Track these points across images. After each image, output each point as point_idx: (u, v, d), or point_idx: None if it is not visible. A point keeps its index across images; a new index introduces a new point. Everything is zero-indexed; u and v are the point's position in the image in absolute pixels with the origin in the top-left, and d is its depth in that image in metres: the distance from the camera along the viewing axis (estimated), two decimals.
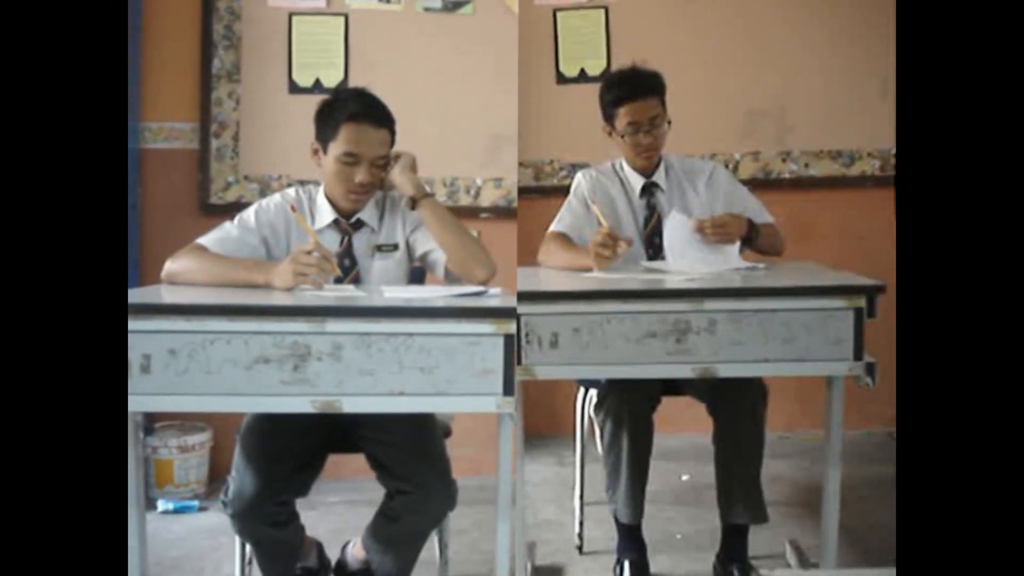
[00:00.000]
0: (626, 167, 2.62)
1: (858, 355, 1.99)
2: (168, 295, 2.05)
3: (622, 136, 2.53)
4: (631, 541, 2.45)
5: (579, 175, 2.66)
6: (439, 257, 2.19)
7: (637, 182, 2.60)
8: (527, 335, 1.99)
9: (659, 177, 2.59)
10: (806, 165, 3.60)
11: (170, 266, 2.13)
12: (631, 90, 2.51)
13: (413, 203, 2.21)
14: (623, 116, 2.51)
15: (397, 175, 2.20)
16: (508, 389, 1.82)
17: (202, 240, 2.17)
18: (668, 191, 2.59)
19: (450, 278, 2.19)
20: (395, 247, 2.25)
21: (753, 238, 2.46)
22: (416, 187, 2.20)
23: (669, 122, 2.53)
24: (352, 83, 3.25)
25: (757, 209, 2.57)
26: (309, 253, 2.02)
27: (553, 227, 2.57)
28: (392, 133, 2.21)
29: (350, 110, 2.16)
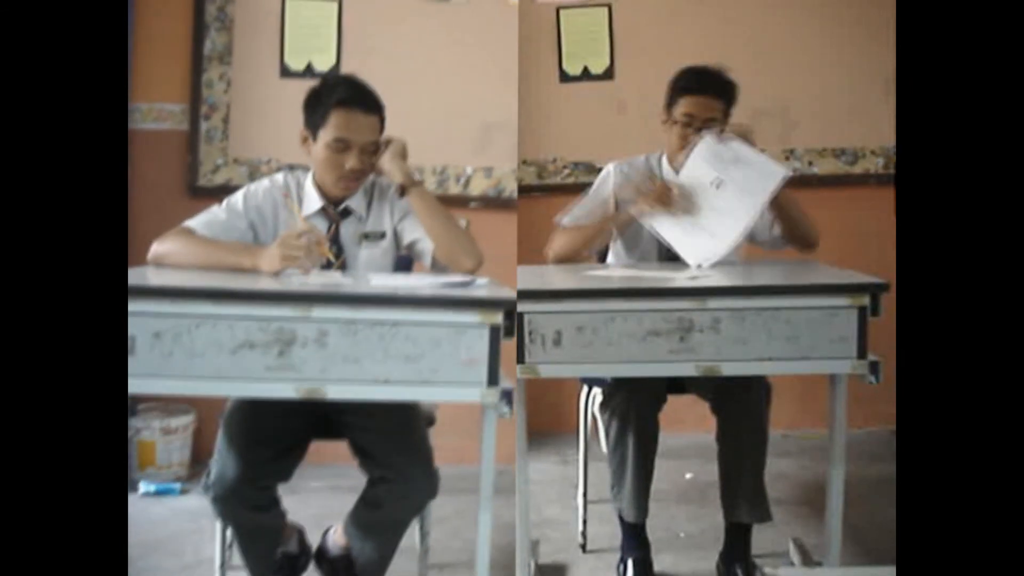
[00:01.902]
0: (664, 163, 2.56)
1: (862, 353, 1.99)
2: (154, 277, 2.04)
3: (674, 124, 2.48)
4: (635, 539, 2.44)
5: (609, 167, 2.58)
6: (426, 246, 2.19)
7: None
8: (530, 333, 1.98)
9: None
10: (809, 163, 3.60)
11: (157, 248, 2.12)
12: (698, 84, 2.47)
13: (402, 190, 2.21)
14: (681, 106, 2.46)
15: (387, 162, 2.19)
16: (493, 379, 1.83)
17: (189, 223, 2.16)
18: None
19: (437, 267, 2.19)
20: (382, 235, 2.25)
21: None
22: (405, 175, 2.19)
23: (722, 130, 2.46)
24: (345, 68, 3.24)
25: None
26: (298, 237, 2.01)
27: (559, 220, 2.53)
28: (382, 119, 2.20)
29: (339, 96, 2.15)
